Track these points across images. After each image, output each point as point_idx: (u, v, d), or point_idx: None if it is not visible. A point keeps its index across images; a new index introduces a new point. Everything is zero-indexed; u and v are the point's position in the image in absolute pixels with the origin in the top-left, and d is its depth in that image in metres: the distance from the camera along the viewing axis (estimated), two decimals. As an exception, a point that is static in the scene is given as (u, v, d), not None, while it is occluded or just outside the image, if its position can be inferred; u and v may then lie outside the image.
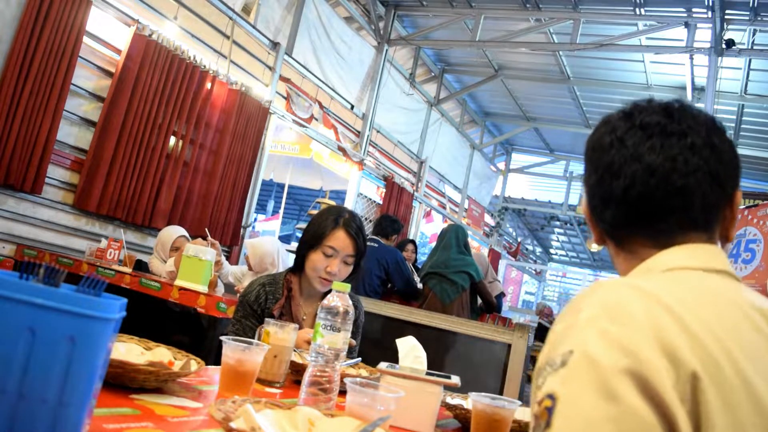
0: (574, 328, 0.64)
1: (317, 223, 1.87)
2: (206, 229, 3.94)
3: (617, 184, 0.78)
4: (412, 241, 5.97)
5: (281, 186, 9.00)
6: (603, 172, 0.80)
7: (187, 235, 3.69)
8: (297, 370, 1.45)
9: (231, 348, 1.16)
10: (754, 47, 6.19)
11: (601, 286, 0.68)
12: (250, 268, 3.58)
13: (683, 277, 0.72)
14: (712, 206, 0.77)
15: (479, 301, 4.74)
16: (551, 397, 0.60)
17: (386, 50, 7.03)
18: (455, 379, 1.34)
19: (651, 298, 0.64)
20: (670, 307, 0.63)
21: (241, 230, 5.11)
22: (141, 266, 3.76)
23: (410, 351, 1.38)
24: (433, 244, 4.80)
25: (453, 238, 4.47)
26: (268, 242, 3.61)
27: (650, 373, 0.57)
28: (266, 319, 1.44)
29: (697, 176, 0.76)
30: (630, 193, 0.77)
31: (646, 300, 0.63)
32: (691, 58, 6.53)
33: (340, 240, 1.82)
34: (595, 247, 10.67)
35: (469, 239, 10.16)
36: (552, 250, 16.21)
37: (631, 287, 0.66)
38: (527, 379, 2.59)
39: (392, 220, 4.97)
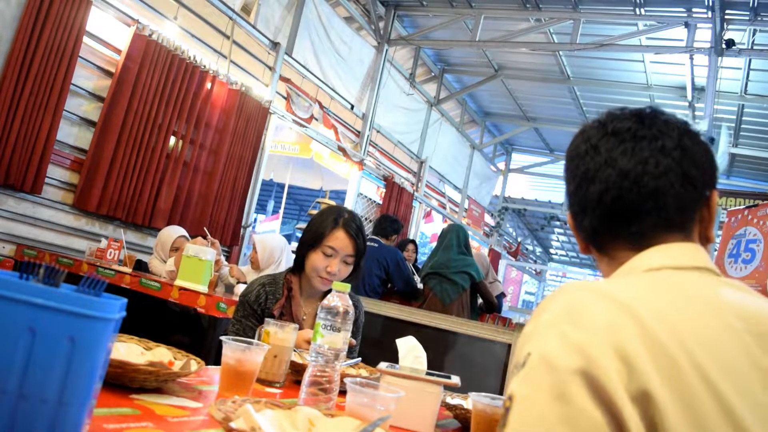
0: (536, 330, 0.65)
1: (317, 223, 1.87)
2: (205, 228, 3.95)
3: (593, 189, 0.80)
4: (413, 241, 5.97)
5: (281, 186, 9.02)
6: (580, 179, 0.82)
7: (186, 235, 3.69)
8: (297, 370, 1.45)
9: (231, 348, 1.16)
10: (754, 47, 6.18)
11: (566, 290, 0.69)
12: (253, 266, 3.59)
13: (656, 278, 0.73)
14: (686, 207, 0.78)
15: (479, 301, 4.74)
16: (510, 397, 0.61)
17: (386, 50, 7.03)
18: (455, 379, 1.34)
19: (612, 300, 0.64)
20: (631, 309, 0.63)
21: (241, 230, 5.12)
22: (141, 266, 3.76)
23: (410, 351, 1.38)
24: (434, 245, 4.80)
25: (454, 239, 4.46)
26: (277, 238, 3.69)
27: (600, 374, 0.57)
28: (266, 319, 1.44)
29: (669, 177, 0.77)
30: (605, 198, 0.79)
31: (607, 303, 0.64)
32: (691, 58, 6.53)
33: (339, 240, 1.82)
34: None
35: (470, 239, 10.15)
36: (552, 250, 16.21)
37: (593, 290, 0.66)
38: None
39: (392, 220, 4.96)
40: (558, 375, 0.58)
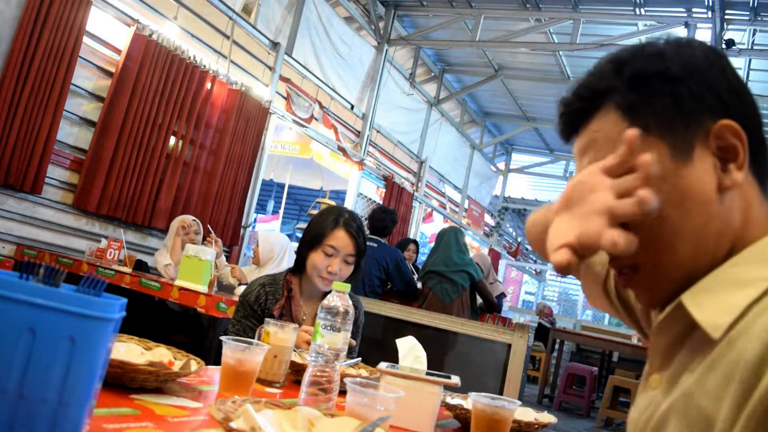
0: None
1: (317, 223, 1.87)
2: (209, 226, 3.95)
3: None
4: (414, 241, 5.96)
5: (281, 186, 9.01)
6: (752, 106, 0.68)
7: (198, 221, 3.76)
8: (297, 370, 1.45)
9: (231, 348, 1.16)
10: (754, 47, 6.18)
11: None
12: (254, 260, 3.64)
13: None
14: None
15: (479, 300, 4.75)
16: None
17: (386, 50, 7.02)
18: (455, 379, 1.33)
19: None
20: None
21: (241, 230, 5.12)
22: (141, 266, 3.76)
23: (410, 351, 1.38)
24: (433, 245, 4.80)
25: (452, 238, 4.47)
26: (280, 235, 3.83)
27: None
28: (266, 319, 1.44)
29: None
30: None
31: None
32: (691, 58, 6.52)
33: (340, 239, 1.82)
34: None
35: (470, 239, 10.14)
36: (552, 250, 16.17)
37: None
38: (527, 378, 2.59)
39: (390, 212, 4.86)
40: None
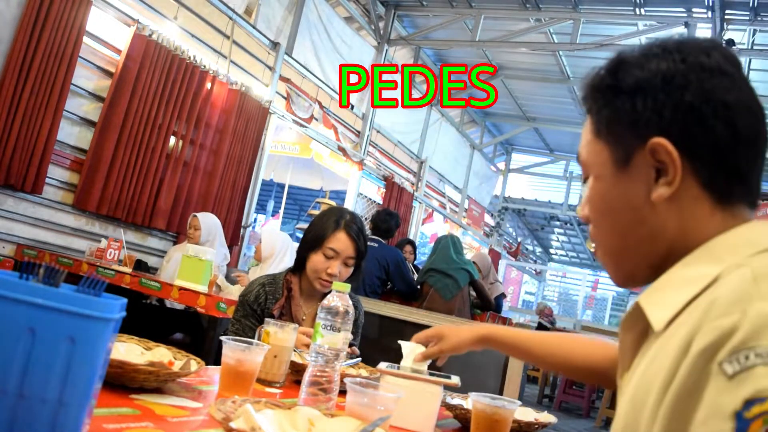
0: None
1: (318, 224, 1.87)
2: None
3: (749, 121, 0.67)
4: (411, 242, 5.97)
5: (281, 186, 9.01)
6: (734, 104, 0.67)
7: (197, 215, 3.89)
8: (297, 370, 1.45)
9: (231, 348, 1.16)
10: (754, 47, 6.19)
11: None
12: (256, 255, 3.69)
13: None
14: None
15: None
16: None
17: (386, 50, 7.03)
18: (455, 379, 1.33)
19: None
20: None
21: (241, 230, 5.12)
22: (141, 266, 3.76)
23: (413, 351, 1.38)
24: (431, 247, 4.92)
25: (450, 243, 4.63)
26: (283, 234, 3.92)
27: None
28: (266, 319, 1.44)
29: None
30: (760, 138, 0.68)
31: None
32: (692, 58, 6.52)
33: (341, 242, 1.82)
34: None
35: (470, 239, 10.13)
36: (552, 250, 16.22)
37: None
38: (527, 379, 2.60)
39: (394, 215, 4.94)
40: None
